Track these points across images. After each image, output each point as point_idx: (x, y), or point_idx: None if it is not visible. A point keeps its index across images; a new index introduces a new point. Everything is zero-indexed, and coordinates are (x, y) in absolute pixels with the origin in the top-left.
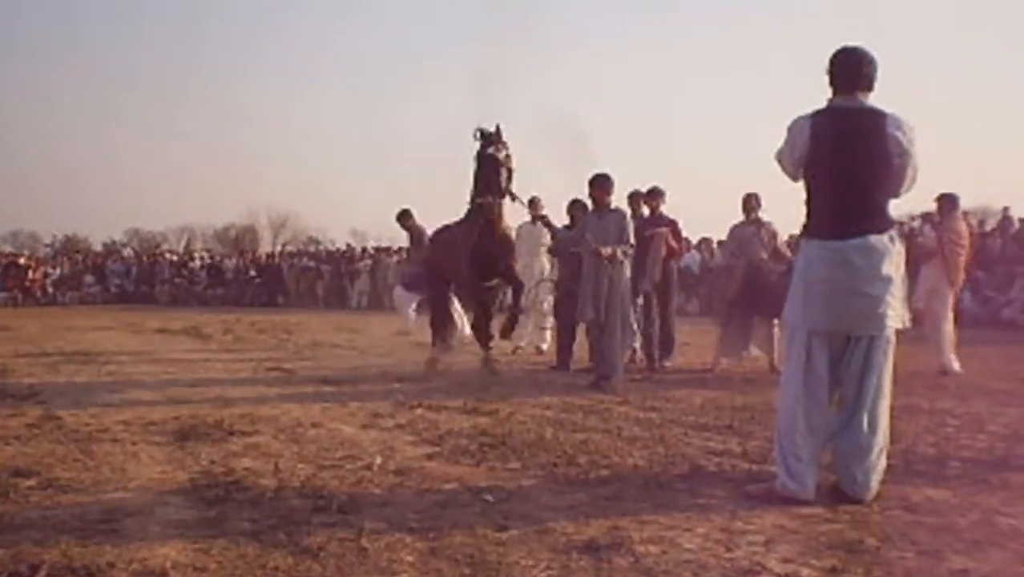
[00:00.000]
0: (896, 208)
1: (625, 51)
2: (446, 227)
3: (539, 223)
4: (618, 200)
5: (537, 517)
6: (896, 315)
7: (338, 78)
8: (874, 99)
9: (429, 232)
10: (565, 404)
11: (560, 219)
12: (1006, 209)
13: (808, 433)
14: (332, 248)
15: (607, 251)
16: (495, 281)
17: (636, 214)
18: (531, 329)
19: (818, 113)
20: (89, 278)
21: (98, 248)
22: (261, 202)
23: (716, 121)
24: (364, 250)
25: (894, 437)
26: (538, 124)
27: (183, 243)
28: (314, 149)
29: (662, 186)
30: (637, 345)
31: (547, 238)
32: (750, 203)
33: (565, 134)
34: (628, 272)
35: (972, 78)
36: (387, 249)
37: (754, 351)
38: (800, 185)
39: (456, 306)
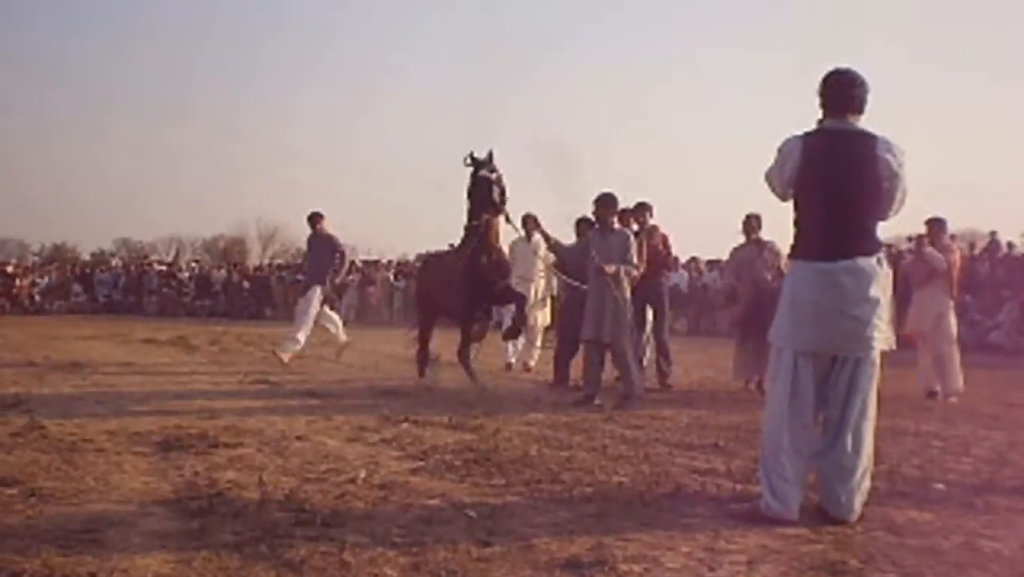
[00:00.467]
0: (885, 230)
1: (611, 71)
2: (437, 255)
3: (533, 239)
4: None
5: (521, 533)
6: (882, 337)
7: (329, 92)
8: (864, 121)
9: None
10: (550, 421)
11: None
12: (994, 233)
13: (793, 453)
14: None
15: (611, 268)
16: (487, 306)
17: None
18: (522, 346)
19: (809, 134)
20: (77, 287)
21: (86, 257)
22: (250, 214)
23: (706, 139)
24: (353, 264)
25: (879, 459)
26: (526, 142)
27: (172, 253)
28: (304, 162)
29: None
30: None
31: (542, 251)
32: (750, 224)
33: (552, 152)
34: (629, 292)
35: (960, 103)
36: (375, 262)
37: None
38: (788, 205)
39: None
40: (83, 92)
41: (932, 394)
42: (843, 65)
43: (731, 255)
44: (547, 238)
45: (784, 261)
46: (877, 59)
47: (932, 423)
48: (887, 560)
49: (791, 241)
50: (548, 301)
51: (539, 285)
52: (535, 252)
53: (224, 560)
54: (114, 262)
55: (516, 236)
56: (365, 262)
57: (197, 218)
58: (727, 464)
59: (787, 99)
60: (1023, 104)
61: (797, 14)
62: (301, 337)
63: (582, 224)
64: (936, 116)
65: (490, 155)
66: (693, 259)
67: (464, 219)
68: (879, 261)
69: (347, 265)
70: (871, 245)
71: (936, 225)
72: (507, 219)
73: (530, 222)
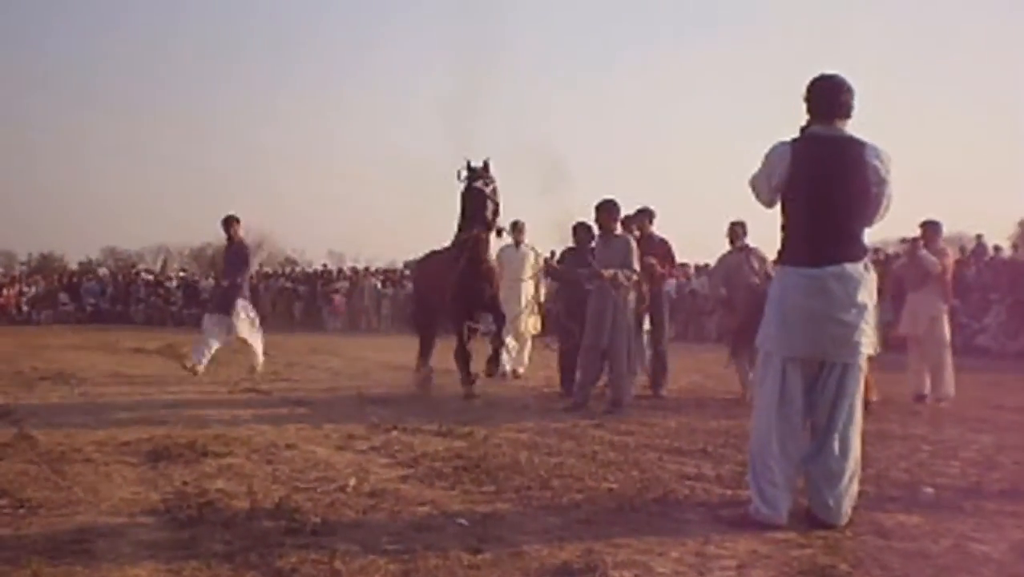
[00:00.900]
0: (877, 232)
1: (601, 78)
2: (433, 254)
3: (521, 247)
4: None
5: (511, 540)
6: (869, 342)
7: (315, 99)
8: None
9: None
10: (540, 427)
11: (539, 243)
12: (980, 237)
13: (782, 458)
14: (309, 269)
15: (609, 272)
16: (480, 317)
17: None
18: (513, 353)
19: (798, 140)
20: (64, 297)
21: (74, 267)
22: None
23: (694, 140)
24: (340, 271)
25: (867, 463)
26: (513, 147)
27: (159, 262)
28: (291, 171)
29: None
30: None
31: (531, 257)
32: (736, 231)
33: (540, 157)
34: (633, 298)
35: (944, 109)
36: (365, 270)
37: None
38: (770, 211)
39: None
40: (69, 100)
41: (921, 398)
42: (829, 71)
43: (718, 262)
44: (548, 264)
45: (770, 266)
46: (860, 61)
47: (920, 427)
48: (876, 564)
49: (778, 247)
50: (538, 308)
51: (528, 289)
52: (524, 259)
53: (214, 569)
54: (101, 271)
55: (504, 243)
56: (354, 270)
57: (184, 227)
58: (716, 469)
59: (771, 100)
60: (1013, 111)
61: (778, 16)
62: (211, 347)
63: (579, 229)
64: (921, 116)
65: (486, 165)
66: (682, 264)
67: (456, 226)
68: (866, 267)
69: (246, 272)
70: (858, 251)
71: (931, 228)
72: (499, 233)
73: (519, 230)
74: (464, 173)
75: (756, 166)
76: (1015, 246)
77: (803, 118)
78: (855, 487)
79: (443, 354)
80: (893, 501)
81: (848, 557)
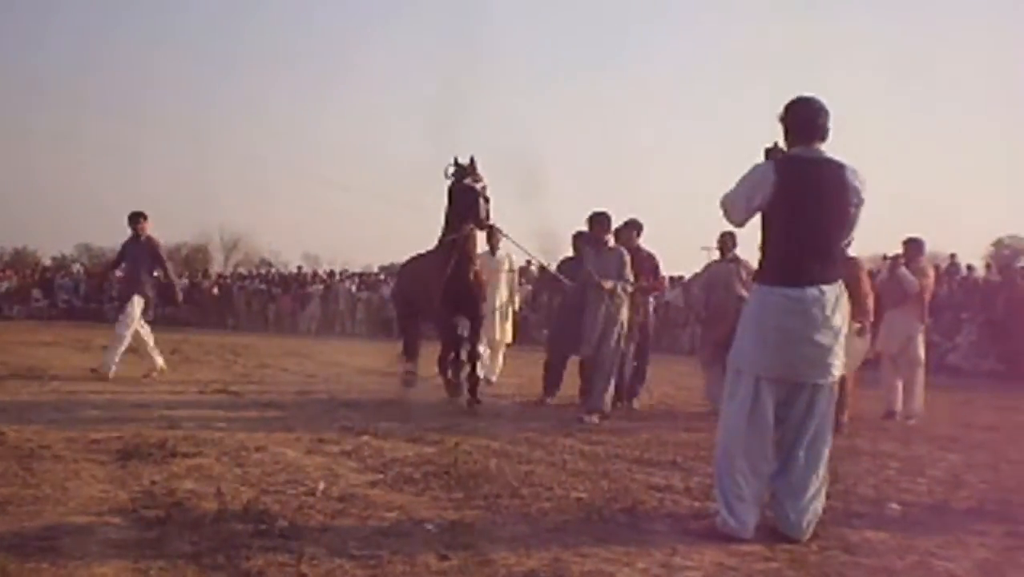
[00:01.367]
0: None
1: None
2: (419, 257)
3: (498, 253)
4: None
5: (479, 547)
6: (840, 364)
7: (293, 100)
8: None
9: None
10: (511, 435)
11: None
12: (953, 256)
13: (751, 475)
14: (284, 271)
15: (608, 284)
16: (464, 322)
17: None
18: (486, 360)
19: (781, 161)
20: (37, 293)
21: (47, 262)
22: (213, 222)
23: (667, 153)
24: (315, 274)
25: (835, 478)
26: (491, 155)
27: None
28: (268, 171)
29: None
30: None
31: (506, 265)
32: (726, 243)
33: (517, 165)
34: (626, 310)
35: (920, 129)
36: (340, 274)
37: None
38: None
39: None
40: (46, 96)
41: (891, 415)
42: (806, 93)
43: (705, 270)
44: (543, 267)
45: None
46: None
47: (889, 443)
48: None
49: (757, 266)
50: (510, 315)
51: (502, 296)
52: (499, 265)
53: (181, 570)
54: (75, 268)
55: (481, 250)
56: (329, 273)
57: (159, 225)
58: (685, 481)
59: (740, 118)
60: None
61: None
62: (119, 351)
63: (579, 239)
64: (897, 137)
65: (472, 163)
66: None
67: (443, 227)
68: (841, 288)
69: (171, 272)
70: (837, 272)
71: (913, 246)
72: (492, 230)
73: (495, 235)
74: (451, 170)
75: (730, 185)
76: (988, 266)
77: (764, 139)
78: (820, 503)
79: (422, 360)
80: (860, 517)
81: (813, 571)
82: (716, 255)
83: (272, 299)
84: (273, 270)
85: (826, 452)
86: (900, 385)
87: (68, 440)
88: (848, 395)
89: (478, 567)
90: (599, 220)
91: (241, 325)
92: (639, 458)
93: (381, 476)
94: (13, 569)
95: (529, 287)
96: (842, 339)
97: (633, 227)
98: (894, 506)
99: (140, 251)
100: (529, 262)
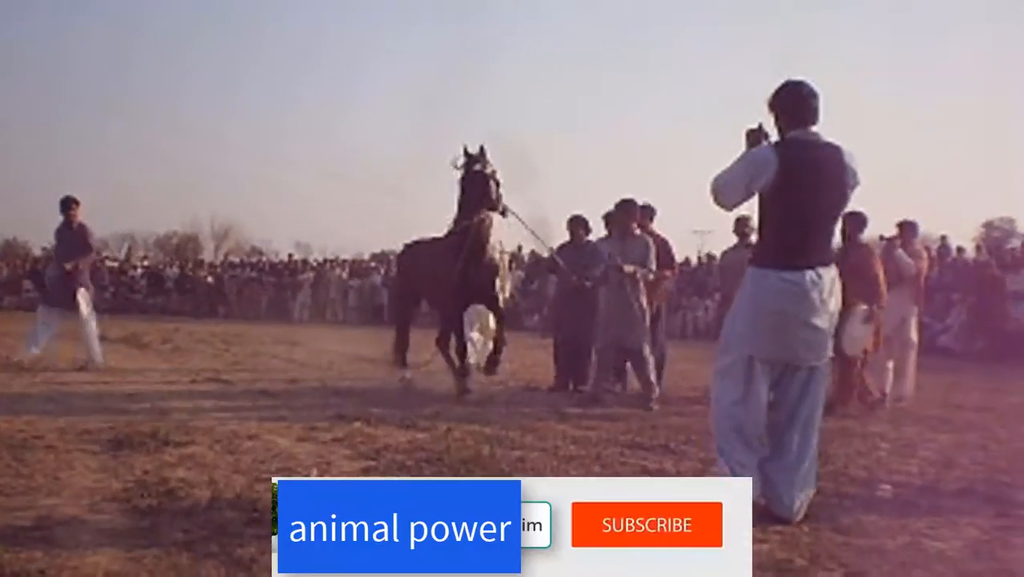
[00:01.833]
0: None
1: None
2: (423, 243)
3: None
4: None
5: None
6: (831, 345)
7: (284, 88)
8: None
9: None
10: (503, 421)
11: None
12: (944, 238)
13: (747, 450)
14: (275, 260)
15: (629, 269)
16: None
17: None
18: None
19: (782, 145)
20: (28, 283)
21: (38, 253)
22: (204, 211)
23: (666, 136)
24: (306, 262)
25: (826, 460)
26: (484, 141)
27: (124, 250)
28: (258, 160)
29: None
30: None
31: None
32: (742, 227)
33: (507, 154)
34: (644, 297)
35: (912, 111)
36: (331, 261)
37: None
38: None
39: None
40: (33, 86)
41: (882, 396)
42: (796, 77)
43: (722, 256)
44: (552, 259)
45: None
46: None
47: (879, 425)
48: (832, 559)
49: (756, 249)
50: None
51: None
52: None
53: (174, 558)
54: None
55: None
56: (320, 261)
57: (150, 215)
58: (677, 466)
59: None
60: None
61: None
62: (95, 340)
63: (573, 223)
64: (889, 118)
65: (482, 150)
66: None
67: (456, 214)
68: (835, 271)
69: (89, 259)
70: (832, 254)
71: (908, 228)
72: (504, 214)
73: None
74: (460, 160)
75: (721, 168)
76: (978, 247)
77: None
78: (811, 484)
79: (413, 348)
80: (851, 498)
81: (805, 552)
82: (708, 238)
83: (263, 287)
84: (264, 258)
85: (816, 432)
86: (891, 367)
87: (60, 430)
88: (856, 377)
89: None
90: (625, 207)
91: (232, 313)
92: (631, 443)
93: (373, 463)
94: (7, 559)
95: (520, 273)
96: (834, 321)
97: (646, 212)
98: (885, 487)
99: (73, 238)
100: (520, 248)
